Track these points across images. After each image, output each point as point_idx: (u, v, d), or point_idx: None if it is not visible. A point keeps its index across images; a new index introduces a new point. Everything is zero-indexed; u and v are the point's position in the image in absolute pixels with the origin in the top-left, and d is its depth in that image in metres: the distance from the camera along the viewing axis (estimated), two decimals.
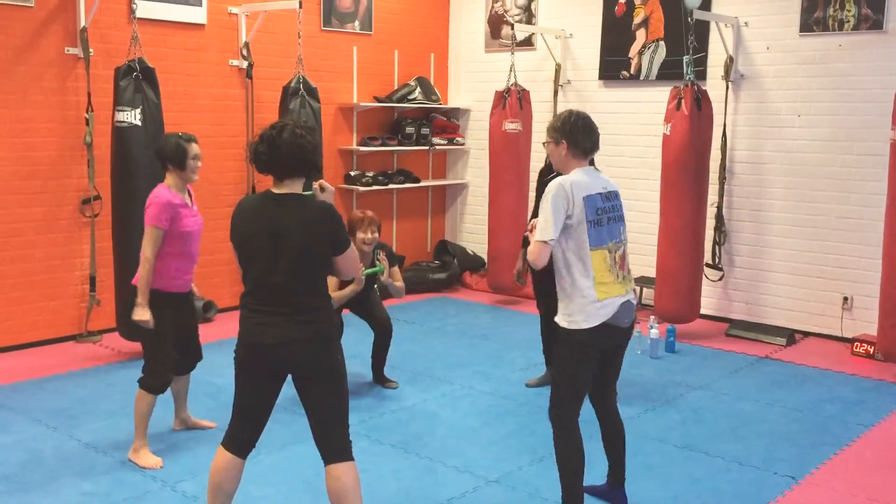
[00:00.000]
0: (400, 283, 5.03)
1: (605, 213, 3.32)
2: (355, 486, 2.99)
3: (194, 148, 4.02)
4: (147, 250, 3.92)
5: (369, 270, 4.83)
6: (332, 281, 4.81)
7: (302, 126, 2.99)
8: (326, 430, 3.02)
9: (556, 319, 3.36)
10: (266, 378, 3.07)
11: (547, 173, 5.06)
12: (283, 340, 2.94)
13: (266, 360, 3.01)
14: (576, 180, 3.30)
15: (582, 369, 3.35)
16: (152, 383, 3.99)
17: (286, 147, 2.91)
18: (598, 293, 3.27)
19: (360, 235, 4.87)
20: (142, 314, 3.91)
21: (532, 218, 4.20)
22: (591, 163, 3.51)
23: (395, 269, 5.06)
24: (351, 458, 3.02)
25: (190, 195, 4.13)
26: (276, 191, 2.99)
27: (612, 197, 3.39)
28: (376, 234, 4.92)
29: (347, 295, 4.77)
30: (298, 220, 2.92)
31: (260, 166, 2.99)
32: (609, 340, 3.36)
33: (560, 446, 3.36)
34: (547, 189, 3.30)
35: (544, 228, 3.24)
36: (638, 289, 7.19)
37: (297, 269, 2.94)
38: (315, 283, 3.01)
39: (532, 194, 7.58)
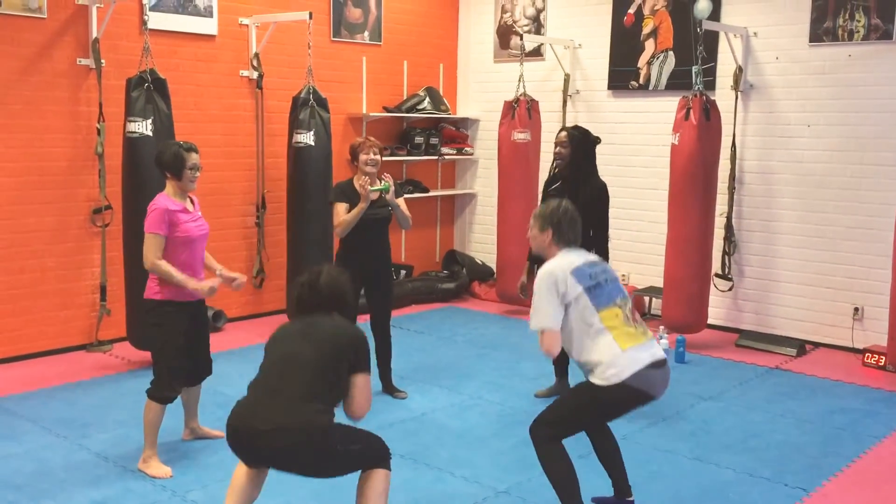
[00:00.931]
0: (407, 212, 5.03)
1: (598, 276, 3.37)
2: (382, 492, 3.08)
3: (193, 157, 4.05)
4: (150, 255, 3.94)
5: (375, 188, 4.83)
6: (341, 208, 4.83)
7: (336, 270, 3.31)
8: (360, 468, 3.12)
9: (591, 380, 3.31)
10: (257, 462, 3.11)
11: (552, 183, 5.14)
12: (274, 427, 2.92)
13: (254, 449, 3.01)
14: (559, 262, 3.38)
15: (593, 418, 3.42)
16: (160, 394, 4.00)
17: (326, 288, 3.21)
18: (620, 344, 3.26)
19: (363, 157, 4.90)
20: (204, 286, 3.99)
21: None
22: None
23: (401, 199, 5.05)
24: (386, 467, 3.11)
25: (192, 202, 4.14)
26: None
27: (597, 263, 3.46)
28: (378, 157, 4.94)
29: (356, 214, 4.76)
30: (331, 325, 3.15)
31: (303, 308, 3.23)
32: (637, 405, 3.37)
33: (549, 462, 3.35)
34: (537, 280, 3.37)
35: (543, 318, 3.29)
36: (648, 299, 7.18)
37: (320, 354, 3.03)
38: (326, 387, 3.03)
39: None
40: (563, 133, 5.03)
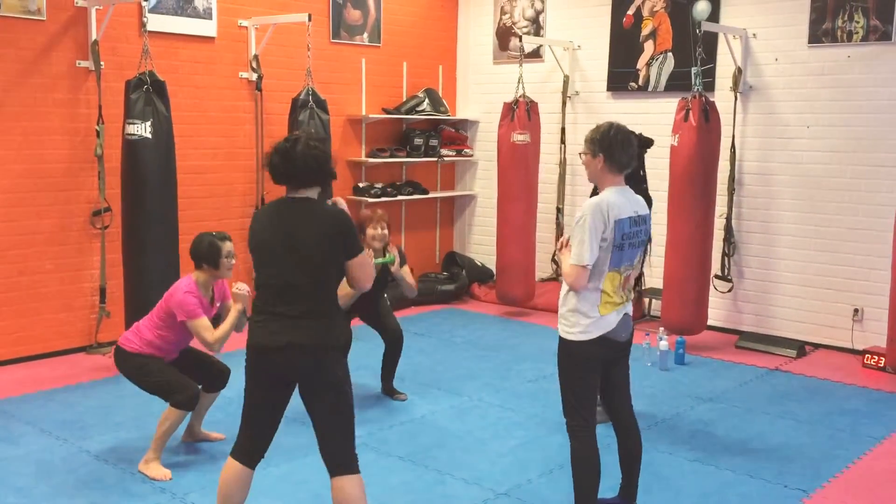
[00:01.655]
0: (411, 280, 5.02)
1: (628, 239, 3.33)
2: (360, 499, 3.01)
3: (227, 246, 4.10)
4: (209, 338, 3.97)
5: (380, 260, 4.83)
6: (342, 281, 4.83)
7: (315, 137, 3.09)
8: (330, 443, 3.04)
9: (559, 326, 3.38)
10: (272, 385, 3.09)
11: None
12: (285, 344, 2.98)
13: (268, 364, 3.05)
14: (612, 201, 3.29)
15: (583, 377, 3.37)
16: (182, 399, 4.01)
17: (301, 158, 3.00)
18: (601, 309, 3.31)
19: (370, 231, 4.90)
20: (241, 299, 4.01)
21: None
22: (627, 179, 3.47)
23: (406, 268, 5.05)
24: (356, 472, 3.04)
25: (213, 290, 4.17)
26: (291, 196, 3.07)
27: (640, 222, 3.39)
28: (386, 231, 4.95)
29: (355, 294, 4.74)
30: (312, 223, 3.00)
31: (276, 177, 3.07)
32: (607, 351, 3.38)
33: (575, 458, 3.36)
34: (583, 210, 3.28)
35: (581, 253, 3.23)
36: (647, 300, 7.18)
37: (309, 270, 2.99)
38: (325, 288, 3.05)
39: (541, 205, 7.60)
40: None
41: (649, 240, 3.54)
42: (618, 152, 3.34)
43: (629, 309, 3.44)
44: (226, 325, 4.00)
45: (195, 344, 4.23)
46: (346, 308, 4.52)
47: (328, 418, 3.04)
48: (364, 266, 3.11)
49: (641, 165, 4.60)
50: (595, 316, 3.30)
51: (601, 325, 3.31)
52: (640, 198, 3.47)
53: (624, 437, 3.57)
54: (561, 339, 3.37)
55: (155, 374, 4.06)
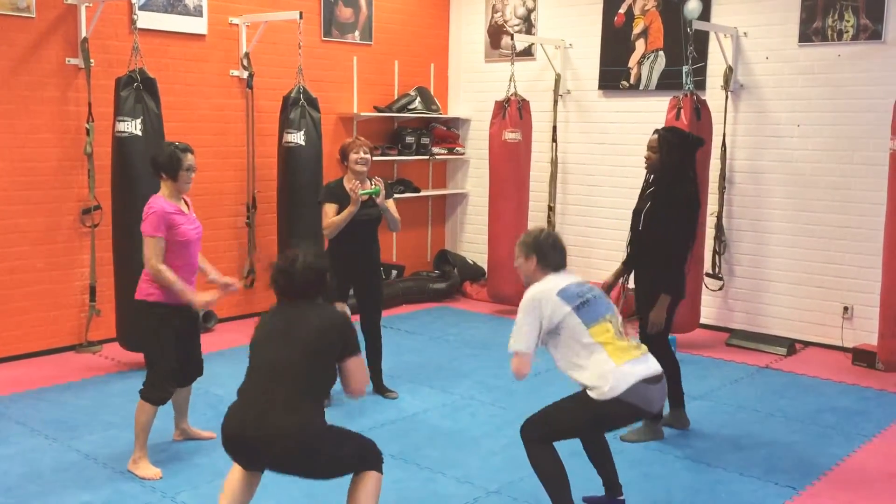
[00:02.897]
0: (396, 214, 5.00)
1: (585, 294, 3.38)
2: (372, 493, 3.07)
3: (189, 158, 4.03)
4: (153, 260, 3.92)
5: (366, 191, 4.81)
6: (330, 209, 4.82)
7: (312, 253, 3.22)
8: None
9: (586, 391, 3.31)
10: (251, 464, 3.10)
11: (646, 189, 4.62)
12: (268, 435, 2.93)
13: (249, 451, 3.02)
14: (545, 285, 3.40)
15: (589, 432, 3.44)
16: (154, 394, 3.99)
17: (300, 274, 3.12)
18: (615, 359, 3.27)
19: (352, 156, 4.88)
20: (201, 299, 3.97)
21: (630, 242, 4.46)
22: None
23: (391, 201, 5.03)
24: (377, 470, 3.11)
25: (187, 203, 4.13)
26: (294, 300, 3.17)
27: (584, 283, 3.47)
28: (368, 155, 4.93)
29: (345, 217, 4.75)
30: (313, 316, 3.10)
31: (279, 293, 3.18)
32: (633, 420, 3.41)
33: (539, 462, 3.36)
34: (521, 303, 3.39)
35: (520, 340, 3.33)
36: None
37: (303, 353, 3.01)
38: (315, 377, 3.04)
39: (532, 204, 7.61)
40: (654, 136, 4.50)
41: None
42: (549, 253, 3.47)
43: (657, 367, 3.37)
44: (169, 274, 3.91)
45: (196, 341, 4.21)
46: (344, 269, 4.57)
47: (340, 475, 3.11)
48: (359, 370, 3.13)
49: (692, 167, 4.53)
50: (612, 366, 3.25)
51: (625, 377, 3.24)
52: (573, 275, 3.53)
53: (591, 449, 3.61)
54: (588, 397, 3.29)
55: (159, 348, 3.98)
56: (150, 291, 3.99)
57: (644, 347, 3.44)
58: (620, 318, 3.46)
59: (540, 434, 3.36)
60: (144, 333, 4.09)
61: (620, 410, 3.28)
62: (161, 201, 3.99)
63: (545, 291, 3.36)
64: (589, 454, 3.61)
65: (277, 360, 3.03)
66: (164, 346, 4.00)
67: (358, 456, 3.09)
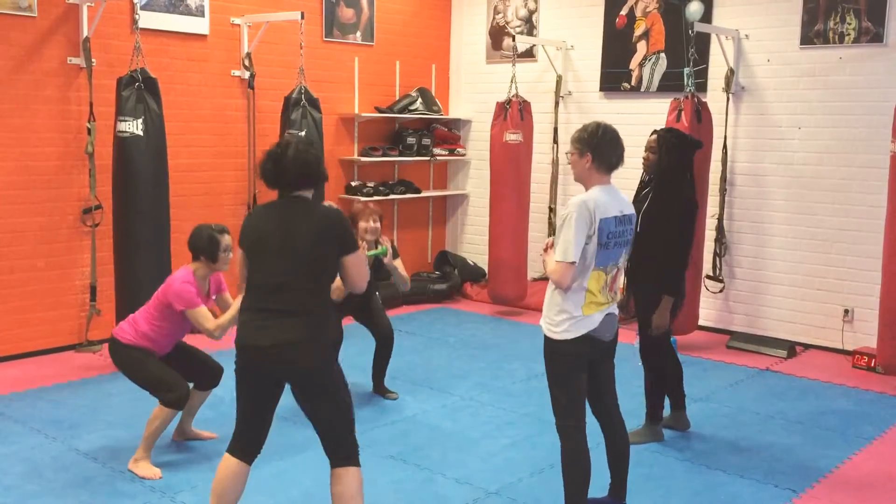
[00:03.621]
0: (404, 273, 5.02)
1: (613, 238, 3.32)
2: (357, 491, 3.05)
3: (226, 240, 4.09)
4: (209, 326, 3.96)
5: (373, 252, 4.82)
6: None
7: (305, 140, 3.15)
8: (330, 437, 3.08)
9: (541, 325, 3.39)
10: (262, 384, 3.10)
11: (641, 190, 4.61)
12: (278, 342, 2.98)
13: (262, 363, 3.04)
14: (598, 199, 3.29)
15: (570, 376, 3.37)
16: (172, 397, 4.00)
17: (292, 162, 3.05)
18: (584, 310, 3.30)
19: (362, 225, 4.89)
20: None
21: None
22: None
23: (399, 260, 5.03)
24: (356, 464, 3.08)
25: (209, 283, 4.16)
26: (285, 197, 3.12)
27: (625, 221, 3.38)
28: (378, 224, 4.94)
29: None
30: (307, 220, 3.04)
31: (269, 182, 3.12)
32: (592, 351, 3.37)
33: (565, 458, 3.36)
34: (568, 208, 3.27)
35: (566, 250, 3.21)
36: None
37: (304, 267, 3.01)
38: (318, 286, 3.05)
39: (533, 205, 7.61)
40: (653, 136, 4.48)
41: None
42: (606, 152, 3.33)
43: (614, 309, 3.43)
44: (229, 314, 3.97)
45: (195, 340, 4.21)
46: (339, 304, 4.51)
47: (326, 416, 3.07)
48: (359, 265, 3.12)
49: (689, 168, 4.49)
50: (578, 315, 3.29)
51: (585, 324, 3.30)
52: (625, 197, 3.47)
53: (611, 437, 3.57)
54: (546, 338, 3.37)
55: (148, 369, 4.04)
56: (131, 338, 4.06)
57: (616, 296, 3.43)
58: (617, 269, 3.39)
59: (560, 420, 3.35)
60: (132, 368, 4.08)
61: (576, 345, 3.30)
62: (192, 278, 4.03)
63: (598, 205, 3.25)
64: (609, 454, 3.60)
65: (277, 278, 3.01)
66: (151, 366, 4.04)
67: (347, 416, 3.08)
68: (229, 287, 4.25)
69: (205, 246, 4.05)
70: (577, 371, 3.36)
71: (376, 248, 4.91)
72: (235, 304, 3.95)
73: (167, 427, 4.08)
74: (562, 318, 3.30)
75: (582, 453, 3.34)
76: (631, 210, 3.45)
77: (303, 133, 6.39)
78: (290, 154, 3.05)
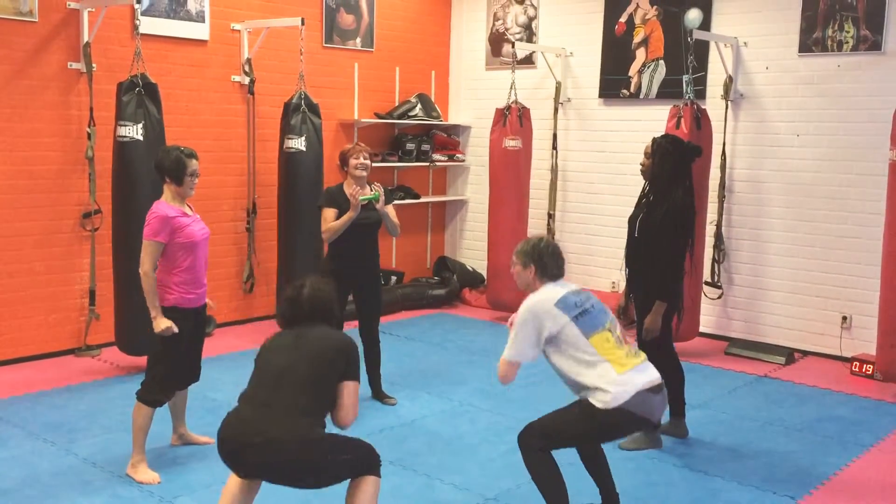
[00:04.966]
0: (396, 219, 5.01)
1: (584, 304, 3.38)
2: (372, 497, 3.07)
3: (193, 164, 4.04)
4: (145, 263, 3.93)
5: (365, 197, 4.82)
6: (329, 214, 4.83)
7: (319, 281, 3.27)
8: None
9: (588, 400, 3.30)
10: (247, 475, 3.10)
11: (642, 198, 4.60)
12: (266, 440, 2.92)
13: (242, 461, 3.02)
14: (543, 295, 3.39)
15: (590, 440, 3.43)
16: (151, 396, 3.99)
17: (308, 302, 3.20)
18: (616, 369, 3.27)
19: (352, 161, 4.89)
20: (160, 324, 3.93)
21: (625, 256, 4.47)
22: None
23: (391, 206, 5.03)
24: (376, 474, 3.11)
25: (189, 207, 4.13)
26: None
27: (581, 291, 3.46)
28: (368, 160, 4.93)
29: (344, 222, 4.75)
30: (322, 333, 3.16)
31: (287, 323, 3.23)
32: (634, 430, 3.44)
33: (537, 470, 3.36)
34: (518, 312, 3.38)
35: (517, 350, 3.35)
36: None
37: (309, 367, 3.04)
38: (321, 389, 3.05)
39: (532, 211, 7.63)
40: (649, 142, 4.52)
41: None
42: (549, 263, 3.47)
43: (657, 376, 3.36)
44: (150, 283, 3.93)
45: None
46: (346, 282, 4.57)
47: (343, 479, 3.10)
48: (353, 396, 3.11)
49: (688, 176, 4.49)
50: (614, 376, 3.25)
51: (628, 386, 3.23)
52: (571, 283, 3.51)
53: (588, 458, 3.61)
54: (591, 406, 3.27)
55: (167, 354, 3.99)
56: (164, 297, 4.00)
57: (643, 355, 3.45)
58: (619, 326, 3.46)
59: (540, 443, 3.35)
60: (155, 337, 4.05)
61: (622, 420, 3.27)
62: (163, 206, 4.00)
63: (543, 302, 3.36)
64: (586, 464, 3.61)
65: (283, 367, 3.04)
66: (171, 350, 4.00)
67: (355, 462, 3.08)
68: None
69: (171, 167, 4.00)
70: (601, 440, 3.46)
71: (369, 190, 4.90)
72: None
73: (151, 424, 4.03)
74: (600, 392, 3.24)
75: (551, 463, 3.35)
76: (579, 287, 3.52)
77: (303, 141, 6.42)
78: (306, 294, 3.20)
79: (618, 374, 3.25)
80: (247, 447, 2.95)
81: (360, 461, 3.09)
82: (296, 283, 3.27)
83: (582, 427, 3.34)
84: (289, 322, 3.23)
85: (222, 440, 3.03)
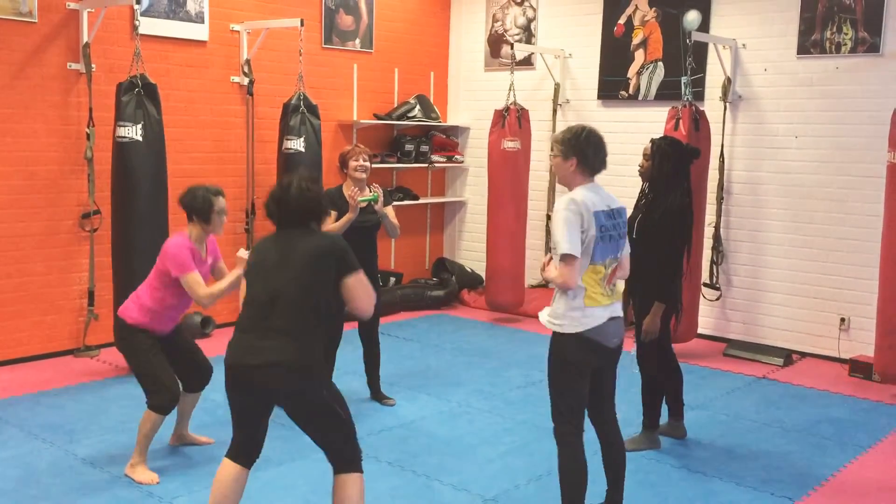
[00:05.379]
0: (395, 221, 5.01)
1: (607, 231, 3.32)
2: (359, 499, 3.06)
3: (220, 202, 4.05)
4: (201, 292, 3.93)
5: (364, 198, 4.81)
6: (329, 219, 4.84)
7: (307, 178, 3.19)
8: (327, 449, 3.11)
9: (545, 322, 3.37)
10: (252, 400, 3.11)
11: (641, 199, 4.63)
12: (265, 363, 2.98)
13: (248, 382, 3.05)
14: (584, 196, 3.29)
15: (573, 384, 3.36)
16: (159, 402, 3.98)
17: (295, 200, 3.11)
18: (586, 301, 3.29)
19: (352, 163, 4.89)
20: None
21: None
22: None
23: (390, 208, 5.03)
24: (358, 471, 3.09)
25: (206, 246, 4.13)
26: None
27: (615, 215, 3.38)
28: (367, 162, 4.93)
29: (343, 224, 4.74)
30: (307, 242, 3.08)
31: (275, 221, 3.18)
32: (596, 358, 3.37)
33: (563, 465, 3.36)
34: (557, 207, 3.28)
35: (565, 241, 3.19)
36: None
37: (298, 284, 3.02)
38: (312, 305, 3.04)
39: (531, 212, 7.63)
40: (649, 144, 4.52)
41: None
42: (591, 156, 3.34)
43: (618, 311, 3.42)
44: (221, 284, 3.94)
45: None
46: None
47: (319, 435, 3.09)
48: (362, 285, 3.09)
49: (687, 178, 4.49)
50: (579, 305, 3.28)
51: (589, 318, 3.28)
52: (611, 194, 3.46)
53: (608, 448, 3.58)
54: (553, 335, 3.35)
55: (150, 362, 4.00)
56: (137, 318, 4.03)
57: (617, 294, 3.43)
58: (616, 263, 3.39)
59: (559, 426, 3.35)
60: (135, 355, 4.06)
61: (581, 345, 3.29)
62: (187, 241, 4.00)
63: (587, 202, 3.25)
64: (605, 463, 3.60)
65: (272, 290, 3.03)
66: (153, 359, 4.01)
67: (344, 426, 3.08)
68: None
69: (199, 207, 4.00)
70: (579, 379, 3.36)
71: (369, 192, 4.91)
72: (230, 275, 3.95)
73: (158, 430, 4.05)
74: (564, 311, 3.28)
75: (579, 460, 3.34)
76: (618, 204, 3.45)
77: (302, 142, 6.42)
78: (293, 192, 3.11)
79: (584, 307, 3.27)
80: (253, 370, 3.00)
81: (349, 430, 3.08)
82: (283, 182, 3.18)
83: (561, 374, 3.34)
84: (275, 220, 3.16)
85: (227, 364, 3.07)
